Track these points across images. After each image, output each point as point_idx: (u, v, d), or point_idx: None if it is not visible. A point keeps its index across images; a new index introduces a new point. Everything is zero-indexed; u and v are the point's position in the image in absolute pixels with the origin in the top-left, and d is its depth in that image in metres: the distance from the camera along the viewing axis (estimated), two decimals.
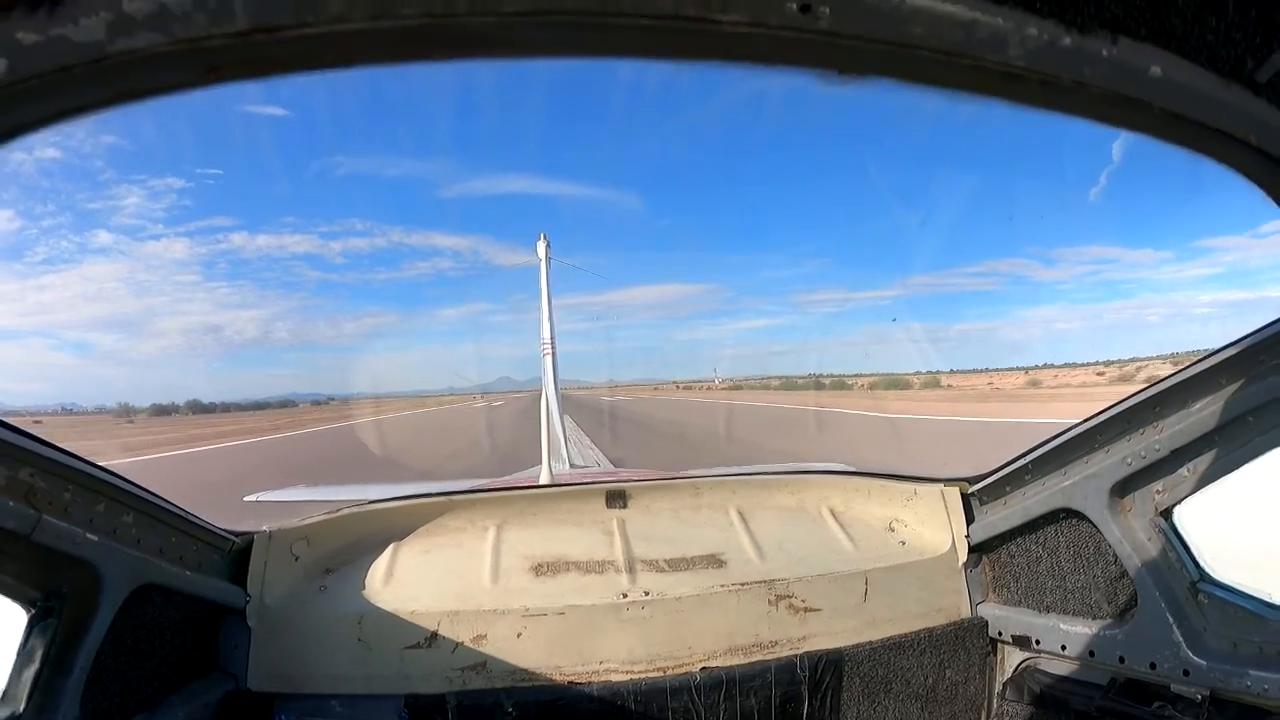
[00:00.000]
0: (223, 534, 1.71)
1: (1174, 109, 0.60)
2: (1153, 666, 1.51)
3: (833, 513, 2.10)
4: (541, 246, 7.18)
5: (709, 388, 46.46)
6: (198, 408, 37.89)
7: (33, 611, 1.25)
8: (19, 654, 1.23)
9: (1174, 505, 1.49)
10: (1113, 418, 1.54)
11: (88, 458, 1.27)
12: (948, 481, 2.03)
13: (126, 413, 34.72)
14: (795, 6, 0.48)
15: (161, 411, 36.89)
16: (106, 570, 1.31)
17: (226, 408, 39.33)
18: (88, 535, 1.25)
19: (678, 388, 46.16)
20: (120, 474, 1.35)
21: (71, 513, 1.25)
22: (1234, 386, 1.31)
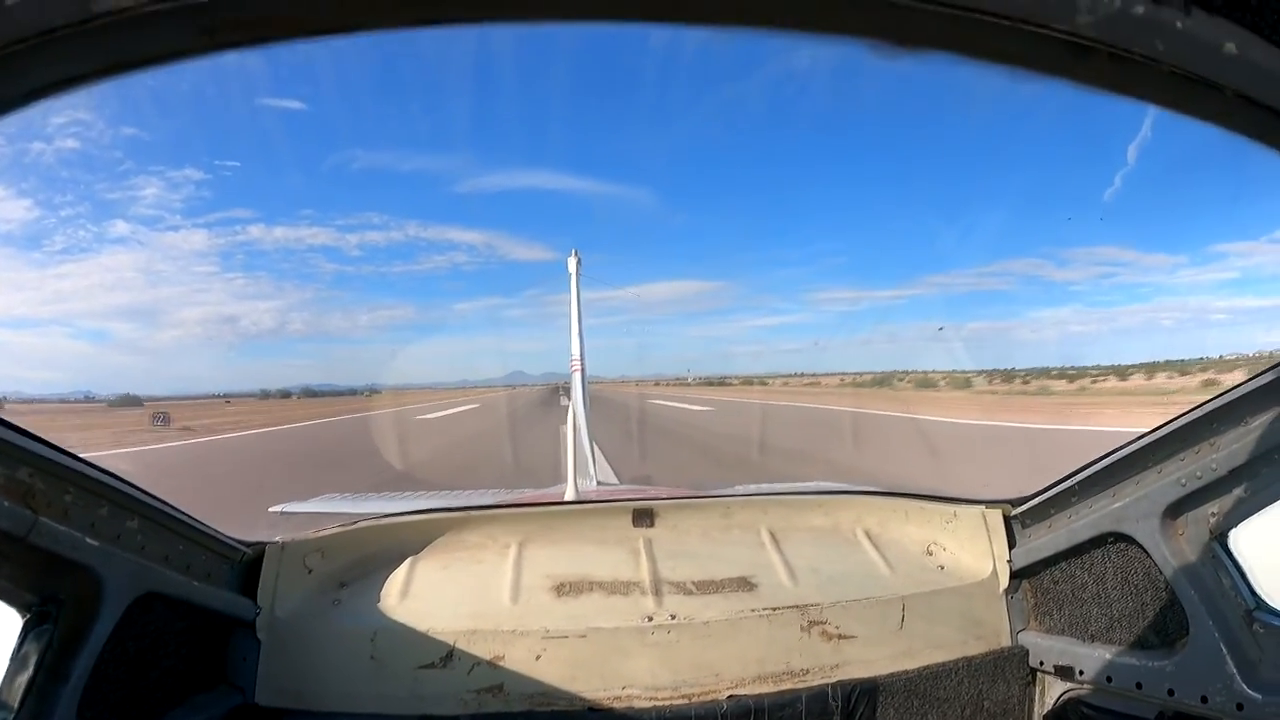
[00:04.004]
0: (233, 543, 1.55)
1: (1246, 92, 0.54)
2: (1204, 700, 1.36)
3: (868, 535, 1.96)
4: (572, 262, 7.13)
5: (681, 384, 52.01)
6: (308, 392, 44.66)
7: (28, 616, 1.14)
8: (13, 659, 1.12)
9: (1229, 529, 1.35)
10: (1166, 436, 1.38)
11: (90, 460, 1.15)
12: (989, 503, 1.87)
13: (226, 399, 39.44)
14: None
15: (285, 395, 44.21)
16: (108, 576, 1.18)
17: (326, 392, 44.84)
18: (88, 540, 1.14)
19: (655, 385, 48.87)
20: (125, 478, 1.23)
21: (72, 516, 1.13)
22: None
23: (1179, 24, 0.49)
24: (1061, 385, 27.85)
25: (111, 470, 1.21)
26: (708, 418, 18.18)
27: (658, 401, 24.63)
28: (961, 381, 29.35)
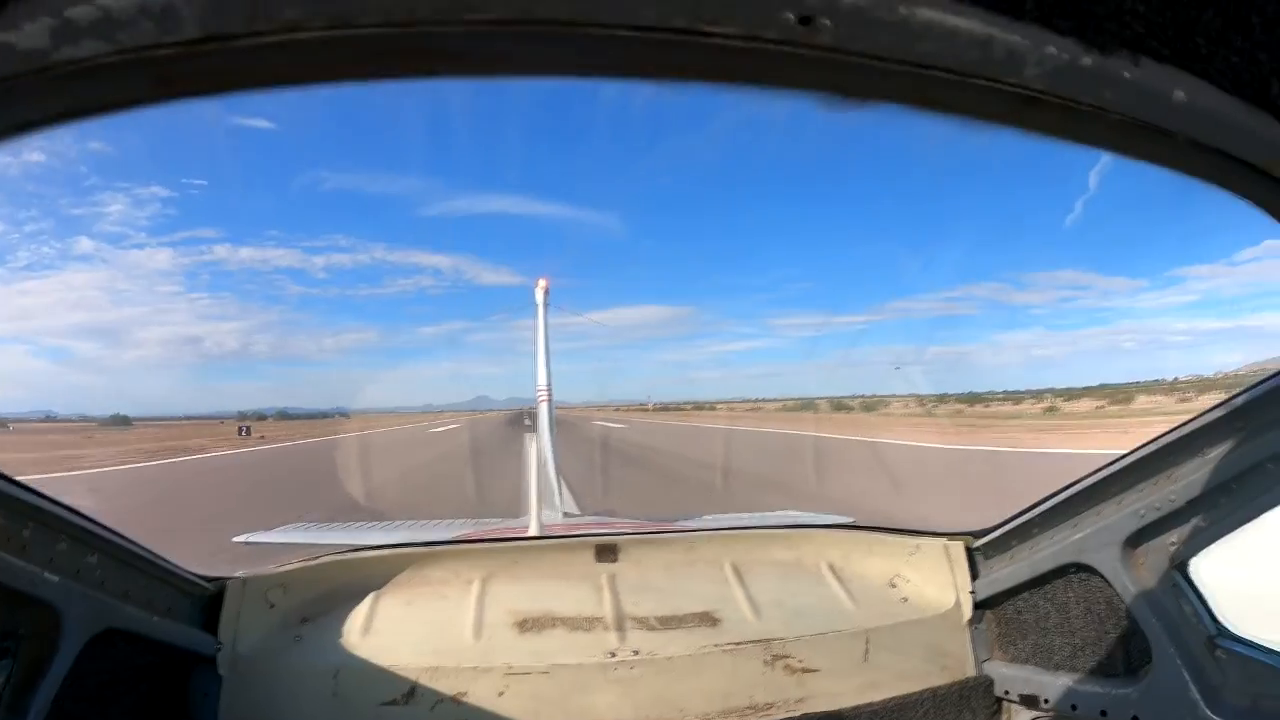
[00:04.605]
0: (194, 579, 1.50)
1: (1196, 137, 0.54)
2: None
3: (832, 568, 1.93)
4: (540, 290, 6.96)
5: (642, 409, 55.89)
6: (283, 415, 46.42)
7: None
8: None
9: (1189, 558, 1.34)
10: (1125, 468, 1.37)
11: (51, 495, 1.13)
12: (951, 535, 1.85)
13: (221, 420, 41.79)
14: (794, 18, 0.43)
15: (261, 417, 45.03)
16: (67, 612, 1.15)
17: (300, 415, 46.28)
18: (47, 575, 1.12)
19: (615, 410, 52.26)
20: (85, 513, 1.20)
21: (31, 551, 1.10)
22: (1252, 433, 1.17)
23: (1127, 74, 0.48)
24: (943, 408, 31.76)
25: (70, 505, 1.17)
26: (620, 431, 26.34)
27: (595, 422, 31.01)
28: (873, 404, 33.20)
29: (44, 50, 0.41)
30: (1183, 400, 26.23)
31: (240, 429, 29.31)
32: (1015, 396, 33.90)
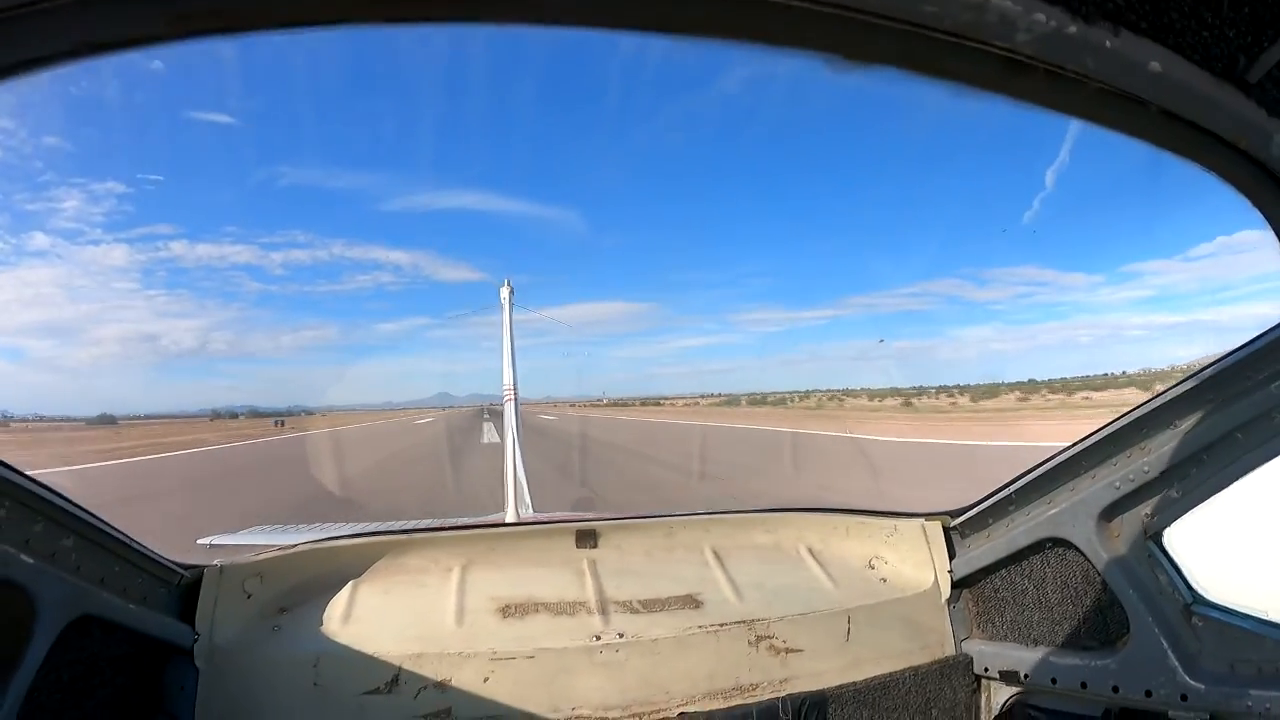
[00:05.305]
0: (171, 566, 1.45)
1: (1170, 108, 0.57)
2: (1149, 694, 1.38)
3: (811, 551, 1.95)
4: (505, 292, 6.98)
5: (596, 404, 59.01)
6: (254, 413, 47.35)
7: None
8: None
9: (1164, 528, 1.36)
10: (1098, 442, 1.38)
11: (29, 473, 1.06)
12: (929, 516, 1.87)
13: (209, 419, 44.57)
14: None
15: (232, 415, 46.42)
16: (42, 597, 1.10)
17: (269, 413, 45.91)
18: (22, 557, 1.06)
19: (571, 406, 54.36)
20: (63, 494, 1.13)
21: (5, 531, 1.04)
22: (1220, 404, 1.20)
23: (1108, 43, 0.51)
24: (831, 403, 37.43)
25: (47, 484, 1.10)
26: (551, 421, 31.52)
27: (539, 417, 35.82)
28: (779, 400, 39.23)
29: None
30: (1021, 400, 32.22)
31: (275, 421, 36.92)
32: (915, 392, 39.00)
